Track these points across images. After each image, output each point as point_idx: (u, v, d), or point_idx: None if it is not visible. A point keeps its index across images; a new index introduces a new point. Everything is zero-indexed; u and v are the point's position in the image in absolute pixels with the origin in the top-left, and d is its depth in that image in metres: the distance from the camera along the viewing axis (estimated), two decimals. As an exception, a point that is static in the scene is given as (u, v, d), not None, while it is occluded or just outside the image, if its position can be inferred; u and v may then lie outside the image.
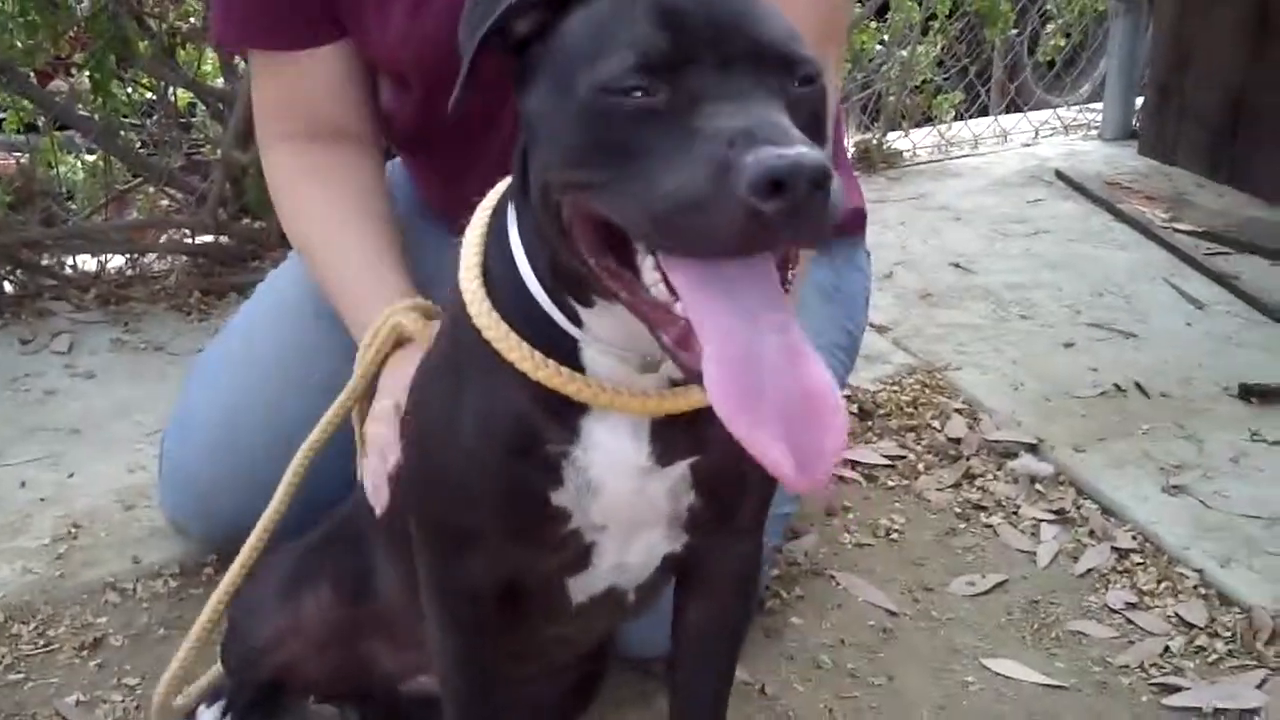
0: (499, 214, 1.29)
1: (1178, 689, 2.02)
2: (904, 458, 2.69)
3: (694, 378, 1.03)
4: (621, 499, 1.32)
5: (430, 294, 1.83)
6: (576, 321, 1.21)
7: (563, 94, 1.08)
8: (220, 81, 3.64)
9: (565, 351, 1.23)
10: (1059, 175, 4.50)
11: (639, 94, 1.03)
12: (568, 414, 1.26)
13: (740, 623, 1.60)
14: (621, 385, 1.24)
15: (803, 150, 0.93)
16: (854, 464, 2.65)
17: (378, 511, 1.61)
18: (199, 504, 2.20)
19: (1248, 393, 2.89)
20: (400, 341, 1.78)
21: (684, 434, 1.27)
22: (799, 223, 0.94)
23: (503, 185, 1.32)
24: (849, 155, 4.54)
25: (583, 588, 1.44)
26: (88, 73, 3.32)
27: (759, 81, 1.04)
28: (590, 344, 1.22)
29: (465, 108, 1.18)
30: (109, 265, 3.54)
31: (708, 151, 0.96)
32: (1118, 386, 2.94)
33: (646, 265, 1.06)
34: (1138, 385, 2.95)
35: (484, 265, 1.30)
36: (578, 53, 1.09)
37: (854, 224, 2.37)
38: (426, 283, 1.88)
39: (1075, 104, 5.54)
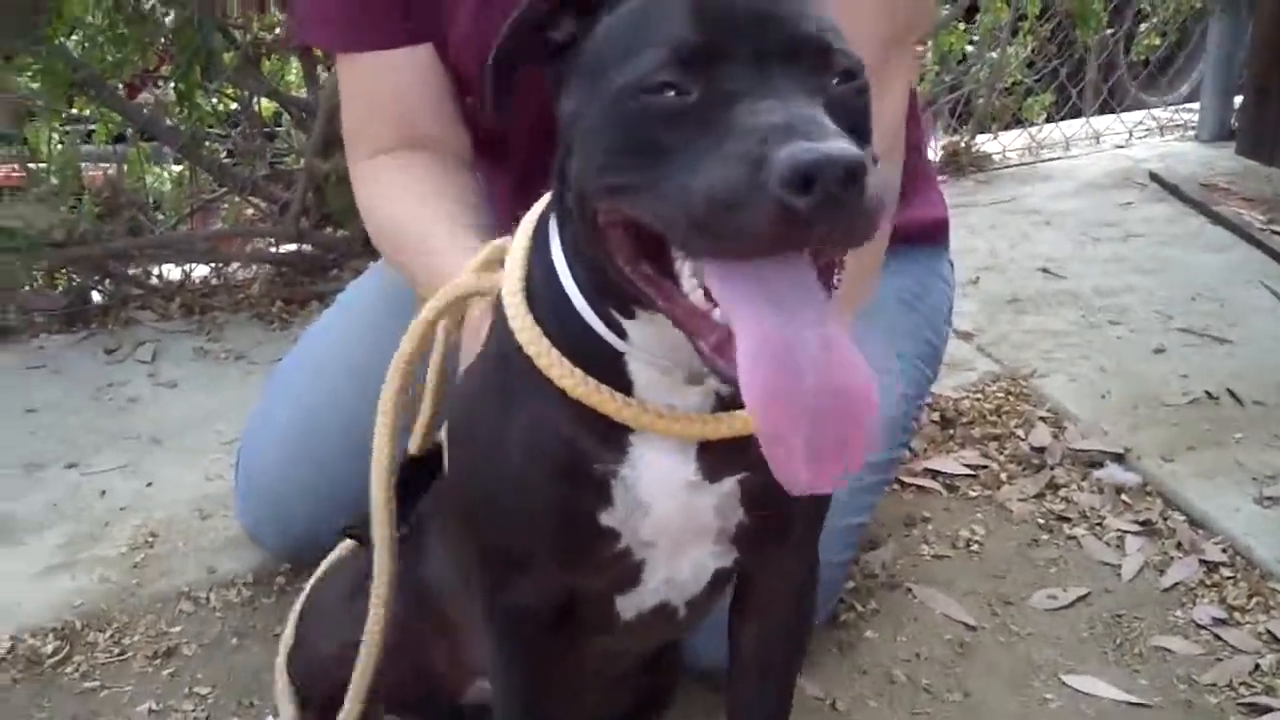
0: (542, 227, 1.27)
1: (1268, 709, 1.95)
2: (986, 467, 2.62)
3: (732, 383, 1.00)
4: (670, 516, 1.29)
5: None
6: (620, 334, 1.18)
7: (596, 95, 1.06)
8: (304, 91, 3.67)
9: (610, 365, 1.21)
10: (1153, 177, 4.39)
11: (671, 91, 1.01)
12: (614, 432, 1.24)
13: (797, 639, 1.56)
14: (667, 402, 1.22)
15: (836, 144, 0.91)
16: (935, 473, 2.60)
17: None
18: (274, 514, 2.20)
19: (1347, 401, 2.80)
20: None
21: (732, 449, 1.24)
22: (834, 218, 0.91)
23: (546, 199, 1.30)
24: (935, 159, 4.51)
25: (632, 604, 1.42)
26: (173, 84, 3.37)
27: (796, 77, 1.01)
28: (635, 357, 1.20)
29: (502, 115, 1.18)
30: (193, 274, 3.59)
31: (741, 148, 0.94)
32: (1209, 394, 2.86)
33: (685, 271, 1.04)
34: (1230, 392, 2.86)
35: (527, 280, 1.28)
36: (611, 53, 1.07)
37: (936, 232, 2.33)
38: None
39: (1172, 104, 5.41)
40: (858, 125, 1.05)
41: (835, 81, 1.04)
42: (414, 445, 1.68)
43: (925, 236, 2.27)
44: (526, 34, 1.15)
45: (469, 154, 2.05)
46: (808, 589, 1.54)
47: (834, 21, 1.09)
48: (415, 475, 1.64)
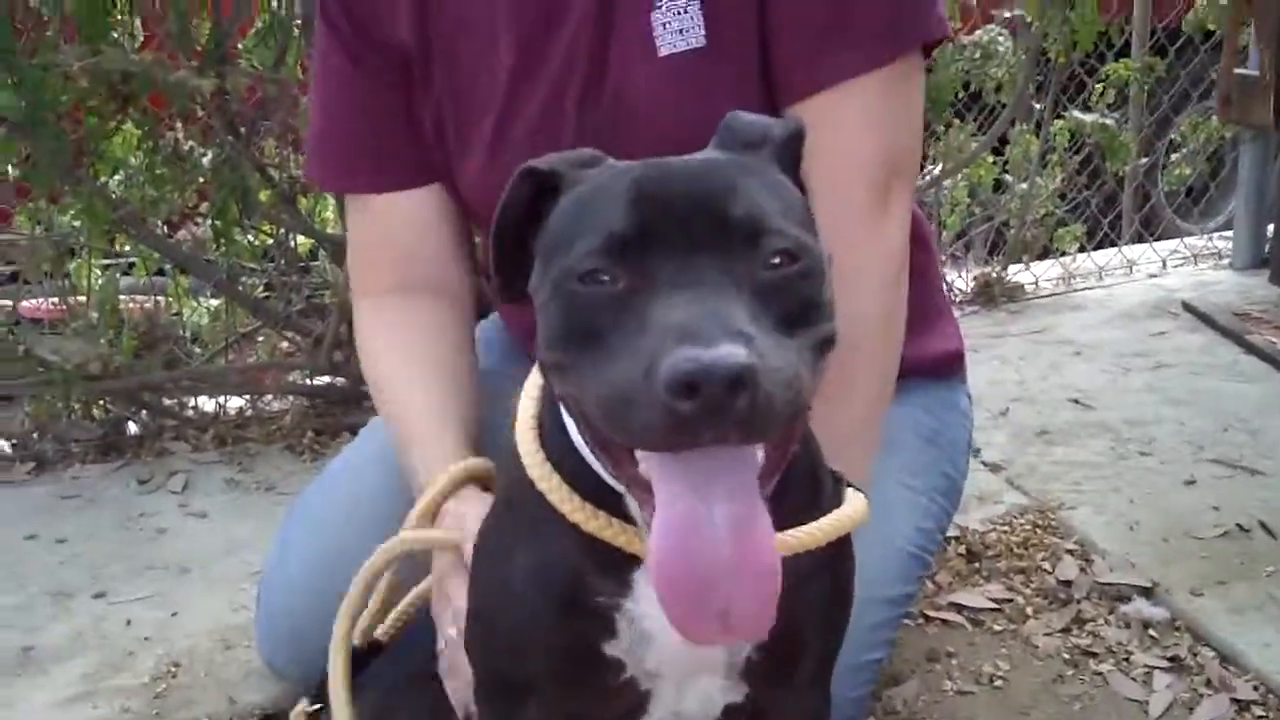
0: None
1: None
2: (1011, 601, 2.59)
3: None
4: (676, 649, 1.30)
5: None
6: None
7: (545, 276, 1.12)
8: (339, 227, 3.73)
9: (613, 506, 1.23)
10: (1186, 306, 4.39)
11: (603, 279, 1.04)
12: (619, 566, 1.26)
13: None
14: None
15: (723, 351, 0.93)
16: (960, 607, 2.57)
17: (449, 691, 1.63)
18: (294, 646, 2.20)
19: (1381, 534, 2.76)
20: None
21: None
22: (723, 421, 0.95)
23: None
24: (968, 289, 4.52)
25: None
26: (211, 221, 3.44)
27: (722, 264, 1.04)
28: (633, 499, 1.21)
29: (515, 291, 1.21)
30: (227, 406, 3.63)
31: (645, 346, 0.98)
32: (1241, 527, 2.82)
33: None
34: (1263, 525, 2.82)
35: (539, 418, 1.31)
36: (559, 236, 1.12)
37: (952, 365, 2.33)
38: None
39: (1207, 233, 5.42)
40: (799, 308, 1.07)
41: (774, 264, 1.06)
42: (358, 637, 1.80)
43: (940, 369, 2.27)
44: (517, 213, 1.20)
45: (471, 292, 2.09)
46: None
47: (790, 205, 1.13)
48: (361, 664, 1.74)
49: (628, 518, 1.24)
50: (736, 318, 0.99)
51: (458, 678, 1.61)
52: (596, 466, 1.21)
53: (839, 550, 1.37)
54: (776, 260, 1.06)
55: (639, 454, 1.08)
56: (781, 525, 1.14)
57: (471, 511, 1.64)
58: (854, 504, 1.36)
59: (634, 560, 1.25)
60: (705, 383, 0.92)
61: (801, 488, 1.30)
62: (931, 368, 2.23)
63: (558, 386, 1.13)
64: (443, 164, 1.99)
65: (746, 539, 1.04)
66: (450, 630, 1.65)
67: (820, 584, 1.37)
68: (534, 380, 1.35)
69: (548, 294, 1.10)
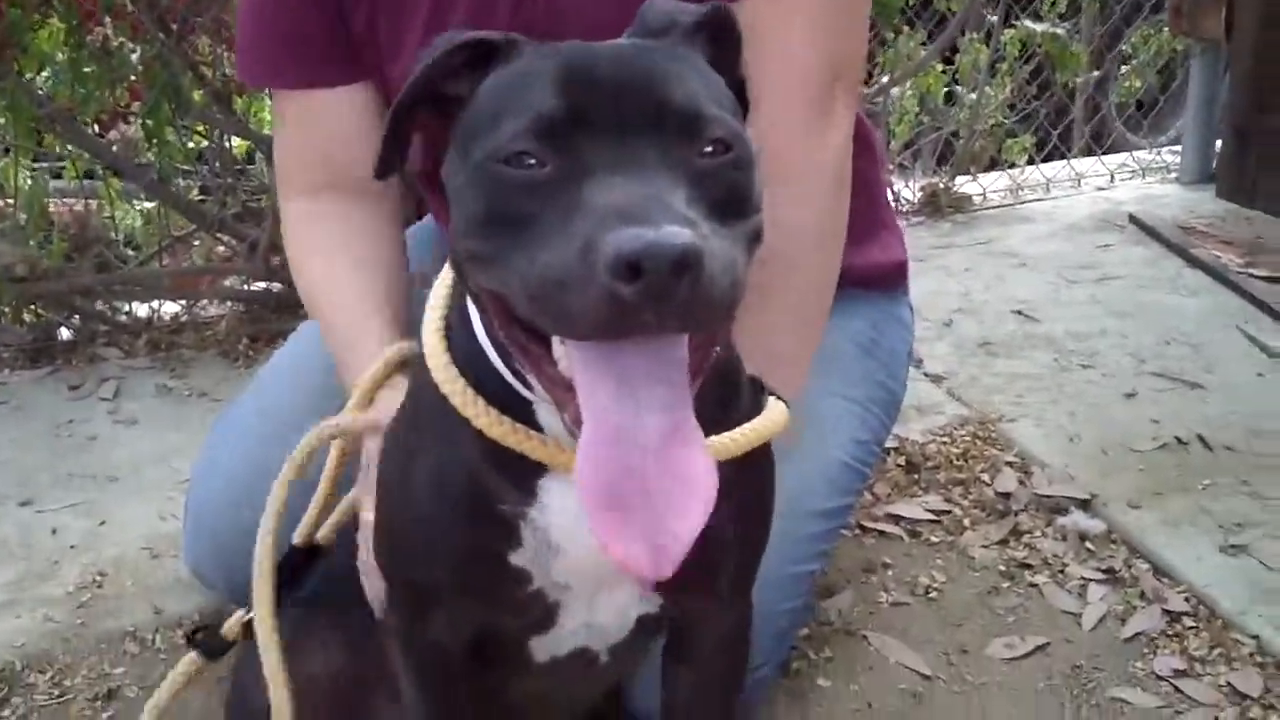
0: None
1: (1225, 763, 1.91)
2: (950, 513, 2.59)
3: None
4: (584, 560, 1.27)
5: None
6: (528, 384, 1.16)
7: (464, 161, 1.06)
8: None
9: (521, 412, 1.19)
10: (1132, 219, 4.37)
11: (530, 162, 0.99)
12: (525, 474, 1.23)
13: (730, 686, 1.54)
14: None
15: (667, 230, 0.89)
16: (897, 519, 2.56)
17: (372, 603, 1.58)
18: (219, 556, 2.16)
19: (1318, 447, 2.76)
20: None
21: None
22: (665, 306, 0.90)
23: None
24: (914, 200, 4.49)
25: (547, 647, 1.41)
26: (142, 121, 3.35)
27: (657, 149, 1.00)
28: (542, 405, 1.18)
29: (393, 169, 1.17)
30: (161, 312, 3.56)
31: (580, 229, 0.93)
32: (1179, 440, 2.82)
33: (555, 339, 1.03)
34: (1200, 438, 2.83)
35: (447, 321, 1.27)
36: (482, 118, 1.07)
37: (894, 276, 2.30)
38: None
39: (1156, 147, 5.40)
40: (731, 198, 1.03)
41: (708, 151, 1.02)
42: (299, 537, 1.70)
43: (882, 280, 2.23)
44: (431, 87, 1.14)
45: (401, 193, 2.04)
46: (741, 636, 1.51)
47: (718, 92, 1.08)
48: (299, 564, 1.67)
49: (535, 425, 1.20)
50: (675, 201, 0.95)
51: (375, 575, 1.58)
52: (505, 371, 1.17)
53: (757, 459, 1.33)
54: (711, 148, 1.02)
55: (558, 352, 1.04)
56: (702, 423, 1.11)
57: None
58: (774, 412, 1.33)
59: (540, 468, 1.22)
60: (650, 263, 0.88)
61: (717, 388, 1.26)
62: (873, 278, 2.19)
63: (476, 277, 1.07)
64: (373, 63, 1.93)
65: (680, 458, 1.00)
66: (369, 517, 1.61)
67: (738, 494, 1.33)
68: (443, 280, 1.30)
69: (467, 178, 1.05)
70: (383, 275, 1.92)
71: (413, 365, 1.36)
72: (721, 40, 1.20)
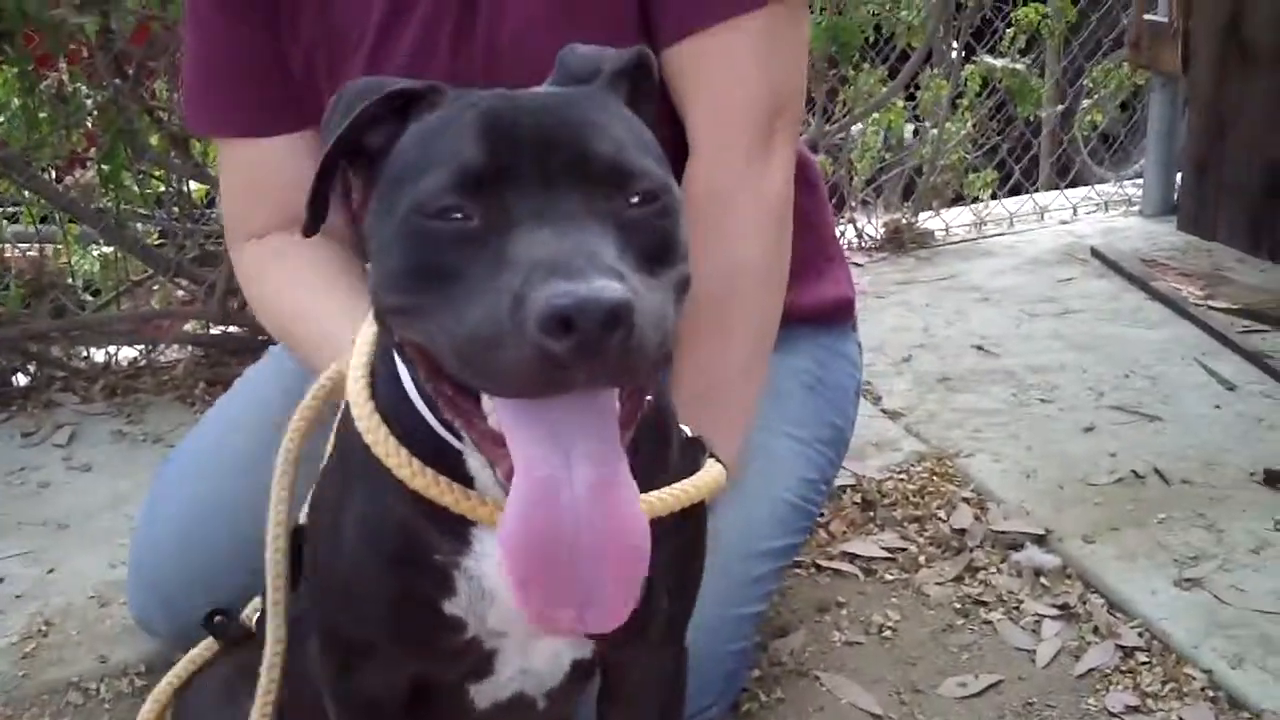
0: None
1: (1175, 801, 1.90)
2: (905, 550, 2.58)
3: None
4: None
5: None
6: (456, 433, 1.15)
7: (387, 213, 1.05)
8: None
9: (450, 462, 1.17)
10: (1094, 253, 4.38)
11: (455, 215, 0.98)
12: (455, 524, 1.21)
13: None
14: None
15: (597, 284, 0.88)
16: (852, 557, 2.55)
17: None
18: (163, 603, 2.15)
19: (1274, 479, 2.76)
20: None
21: None
22: (597, 361, 0.89)
23: None
24: (878, 235, 4.50)
25: (487, 694, 1.39)
26: (98, 166, 3.34)
27: (584, 201, 0.99)
28: (473, 454, 1.16)
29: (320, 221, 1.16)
30: (119, 357, 3.54)
31: (508, 283, 0.92)
32: (1136, 473, 2.82)
33: (485, 394, 1.01)
34: (1157, 471, 2.82)
35: (371, 369, 1.26)
36: (405, 169, 1.06)
37: (840, 313, 2.30)
38: None
39: (1121, 180, 5.42)
40: (659, 248, 1.02)
41: (634, 202, 1.01)
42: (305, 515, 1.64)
43: (827, 316, 2.23)
44: (354, 139, 1.13)
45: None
46: (676, 680, 1.50)
47: (643, 140, 1.07)
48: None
49: (465, 474, 1.19)
50: (604, 253, 0.94)
51: None
52: (433, 421, 1.16)
53: (691, 510, 1.32)
54: (637, 198, 1.02)
55: (487, 406, 1.02)
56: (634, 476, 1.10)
57: None
58: (711, 473, 1.32)
59: (470, 520, 1.20)
60: (581, 318, 0.87)
61: (650, 439, 1.25)
62: (819, 315, 2.19)
63: (400, 332, 1.07)
64: (315, 107, 1.93)
65: (613, 513, 0.99)
66: None
67: (671, 544, 1.32)
68: (367, 329, 1.29)
69: (392, 231, 1.03)
70: (356, 293, 1.87)
71: (341, 413, 1.35)
72: (641, 84, 1.20)
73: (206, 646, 1.73)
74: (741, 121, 1.78)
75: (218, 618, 1.71)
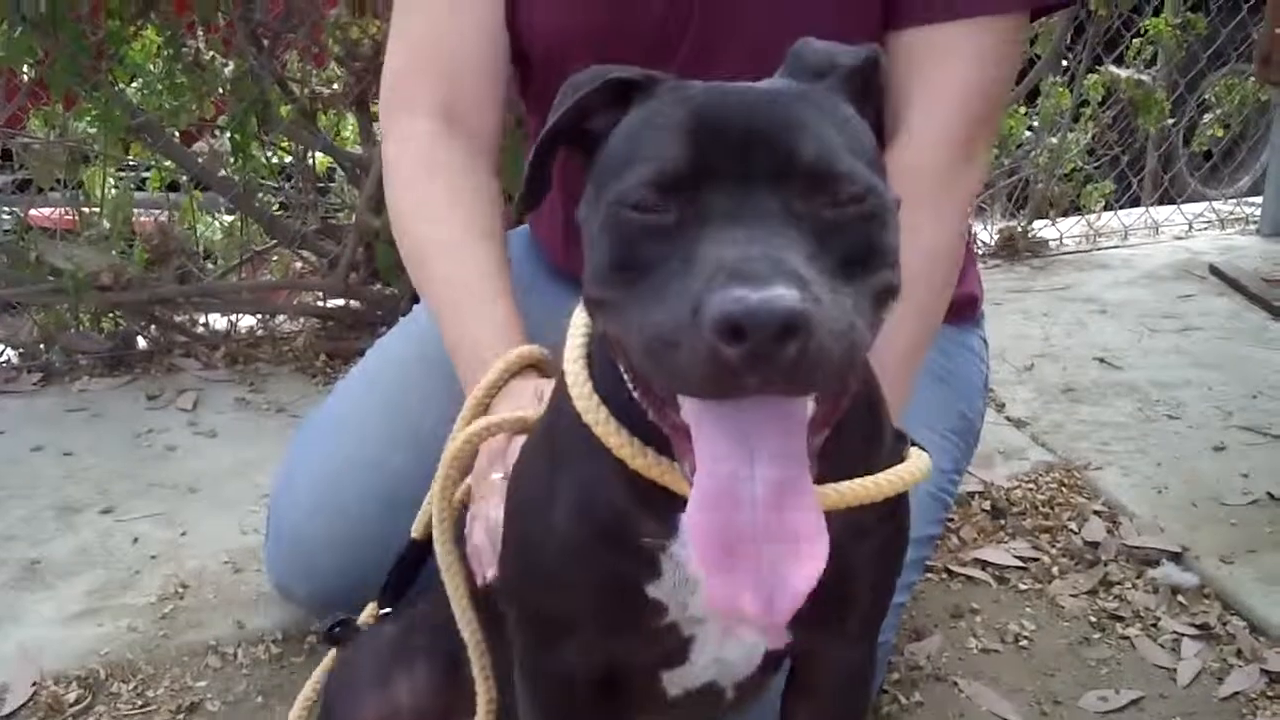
0: None
1: (1327, 830, 1.86)
2: (1037, 560, 2.54)
3: None
4: None
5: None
6: None
7: (597, 203, 1.05)
8: (358, 147, 3.66)
9: (660, 445, 1.16)
10: (1213, 270, 4.32)
11: (652, 212, 0.98)
12: (665, 506, 1.19)
13: None
14: None
15: (774, 293, 0.86)
16: (984, 564, 2.52)
17: (477, 577, 1.55)
18: (303, 565, 2.16)
19: None
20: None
21: None
22: (770, 370, 0.88)
23: None
24: (991, 241, 4.46)
25: (679, 681, 1.38)
26: (229, 134, 3.37)
27: (781, 202, 0.97)
28: None
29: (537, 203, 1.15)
30: (239, 325, 3.57)
31: (692, 285, 0.91)
32: (1271, 495, 2.77)
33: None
34: (1293, 495, 2.77)
35: (589, 347, 1.25)
36: (614, 160, 1.05)
37: (967, 308, 2.28)
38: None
39: (1233, 197, 5.34)
40: (860, 254, 1.00)
41: (837, 205, 0.99)
42: (416, 530, 1.69)
43: (956, 312, 2.21)
44: (573, 123, 1.13)
45: (499, 144, 2.00)
46: (865, 676, 1.49)
47: (858, 143, 1.05)
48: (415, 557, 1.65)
49: (673, 459, 1.18)
50: (791, 258, 0.92)
51: (486, 558, 1.55)
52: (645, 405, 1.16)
53: (896, 505, 1.30)
54: (841, 201, 0.99)
55: (681, 400, 1.02)
56: (833, 473, 1.08)
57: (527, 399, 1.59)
58: (917, 462, 1.30)
59: (678, 502, 1.19)
60: (752, 326, 0.85)
61: (857, 434, 1.24)
62: (948, 310, 2.17)
63: (601, 324, 1.08)
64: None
65: (788, 515, 0.98)
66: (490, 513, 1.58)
67: (876, 538, 1.31)
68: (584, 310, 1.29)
69: (597, 223, 1.03)
70: (501, 251, 1.87)
71: (553, 393, 1.34)
72: (870, 85, 1.18)
73: (332, 659, 1.76)
74: (961, 115, 1.78)
75: (337, 629, 1.72)
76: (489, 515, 1.53)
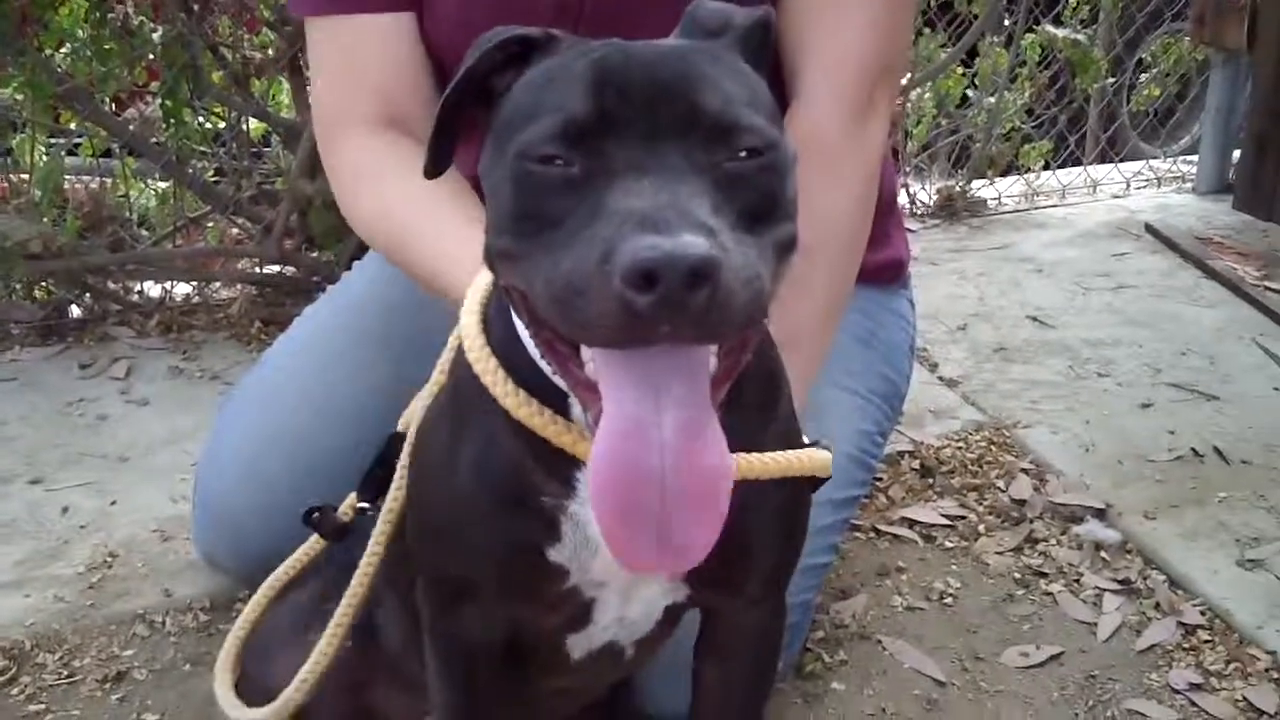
0: None
1: (1241, 779, 1.90)
2: (964, 518, 2.57)
3: None
4: None
5: None
6: None
7: (498, 156, 1.06)
8: (292, 113, 3.64)
9: (557, 404, 1.18)
10: (1148, 229, 4.35)
11: (557, 163, 0.99)
12: (564, 467, 1.21)
13: (759, 682, 1.53)
14: None
15: (683, 240, 0.88)
16: (912, 523, 2.55)
17: None
18: (229, 536, 2.16)
19: (1334, 463, 2.75)
20: None
21: None
22: (680, 318, 0.89)
23: None
24: (913, 204, 4.49)
25: (582, 644, 1.40)
26: (160, 101, 3.34)
27: (685, 154, 0.98)
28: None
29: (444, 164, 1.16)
30: (174, 293, 3.55)
31: (600, 234, 0.92)
32: (1196, 452, 2.81)
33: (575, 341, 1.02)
34: (1217, 451, 2.81)
35: (485, 308, 1.26)
36: (515, 114, 1.06)
37: (893, 271, 2.30)
38: None
39: (1171, 156, 5.38)
40: (762, 205, 1.01)
41: (740, 157, 1.01)
42: (402, 424, 1.62)
43: (879, 275, 2.22)
44: (476, 82, 1.14)
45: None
46: (774, 633, 1.50)
47: (758, 97, 1.07)
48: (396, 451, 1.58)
49: (569, 418, 1.19)
50: (697, 208, 0.94)
51: None
52: (542, 363, 1.16)
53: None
54: (743, 154, 1.01)
55: (585, 353, 1.03)
56: (732, 433, 1.10)
57: None
58: (814, 455, 1.31)
59: (577, 461, 1.20)
60: (664, 273, 0.87)
61: (753, 403, 1.25)
62: (873, 274, 2.18)
63: (504, 276, 1.08)
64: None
65: (698, 454, 0.99)
66: None
67: (776, 498, 1.32)
68: (483, 270, 1.29)
69: (500, 176, 1.04)
70: (467, 197, 1.83)
71: (452, 351, 1.35)
72: (764, 46, 1.20)
73: (312, 544, 1.73)
74: (853, 77, 1.79)
75: (315, 514, 1.69)
76: None
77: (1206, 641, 2.20)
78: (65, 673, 2.09)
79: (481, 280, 1.30)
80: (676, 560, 1.00)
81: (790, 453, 1.28)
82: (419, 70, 1.94)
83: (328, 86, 2.00)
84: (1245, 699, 2.06)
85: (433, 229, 1.79)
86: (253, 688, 1.77)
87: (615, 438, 0.98)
